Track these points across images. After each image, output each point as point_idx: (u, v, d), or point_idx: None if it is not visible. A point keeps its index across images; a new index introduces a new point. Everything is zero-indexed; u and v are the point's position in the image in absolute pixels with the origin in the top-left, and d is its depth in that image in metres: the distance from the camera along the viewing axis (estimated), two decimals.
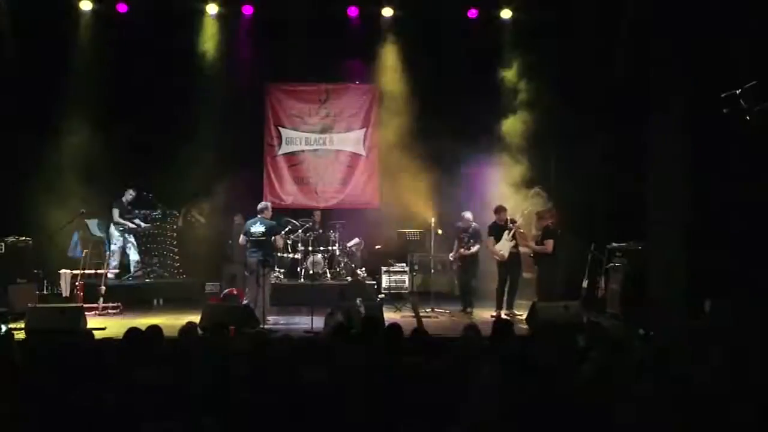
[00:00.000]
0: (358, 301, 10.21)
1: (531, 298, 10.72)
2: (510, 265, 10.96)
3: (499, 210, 11.17)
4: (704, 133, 9.50)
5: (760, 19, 8.57)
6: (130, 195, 12.52)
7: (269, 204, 10.79)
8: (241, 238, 10.49)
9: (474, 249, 11.34)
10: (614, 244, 11.09)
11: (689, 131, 9.87)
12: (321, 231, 12.84)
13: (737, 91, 8.19)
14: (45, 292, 11.38)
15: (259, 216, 10.35)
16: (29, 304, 9.59)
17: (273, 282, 10.83)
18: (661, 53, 10.40)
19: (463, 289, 11.58)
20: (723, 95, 8.33)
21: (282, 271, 12.67)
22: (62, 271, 11.43)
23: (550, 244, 10.46)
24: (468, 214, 11.45)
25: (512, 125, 12.56)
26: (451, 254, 11.68)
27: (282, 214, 12.62)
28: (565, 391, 3.93)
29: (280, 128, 14.01)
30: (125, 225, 12.34)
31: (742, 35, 8.82)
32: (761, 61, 8.37)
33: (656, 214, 10.60)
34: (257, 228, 10.20)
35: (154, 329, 5.70)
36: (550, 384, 4.05)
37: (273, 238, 10.34)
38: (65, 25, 12.38)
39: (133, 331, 5.51)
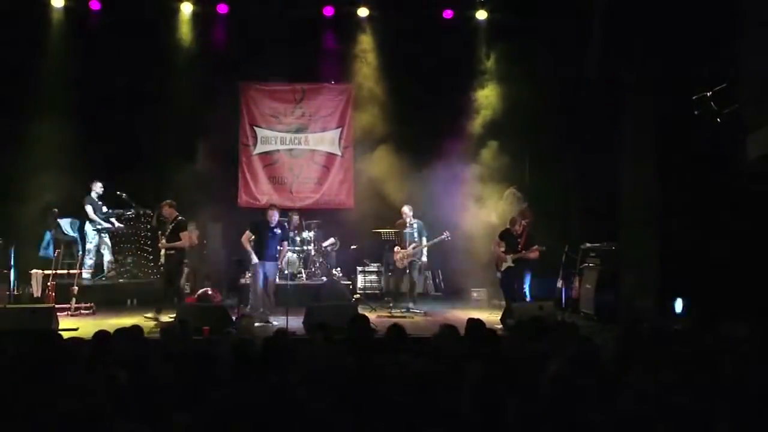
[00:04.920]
0: None
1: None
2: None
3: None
4: (674, 134, 9.64)
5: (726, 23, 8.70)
6: (99, 188, 12.24)
7: (271, 210, 10.58)
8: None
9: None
10: (588, 245, 11.18)
11: (659, 132, 9.99)
12: (297, 231, 12.76)
13: (708, 94, 8.32)
14: (16, 292, 11.19)
15: None
16: None
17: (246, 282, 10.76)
18: (631, 55, 10.52)
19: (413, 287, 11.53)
20: (694, 97, 8.46)
21: None
22: (33, 271, 11.28)
23: (537, 250, 10.39)
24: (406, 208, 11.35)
25: (487, 125, 12.63)
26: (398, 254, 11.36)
27: (258, 213, 12.53)
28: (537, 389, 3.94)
29: (255, 128, 13.95)
30: (101, 224, 12.16)
31: (709, 37, 8.94)
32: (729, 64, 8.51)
33: (628, 215, 10.71)
34: None
35: (136, 329, 5.65)
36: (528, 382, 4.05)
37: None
38: (37, 19, 12.21)
39: (102, 333, 5.42)
